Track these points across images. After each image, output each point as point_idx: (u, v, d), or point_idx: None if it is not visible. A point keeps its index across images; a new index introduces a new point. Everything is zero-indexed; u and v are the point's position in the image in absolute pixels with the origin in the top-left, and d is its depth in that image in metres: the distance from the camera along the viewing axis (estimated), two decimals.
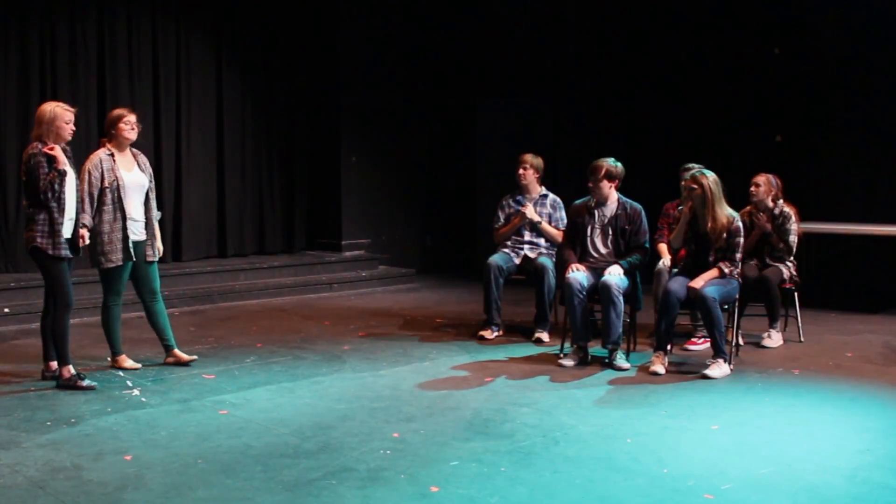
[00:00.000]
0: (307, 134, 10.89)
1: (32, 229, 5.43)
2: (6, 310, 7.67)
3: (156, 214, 6.18)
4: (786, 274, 6.92)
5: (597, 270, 6.38)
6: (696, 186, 6.06)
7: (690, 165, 6.95)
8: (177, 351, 6.23)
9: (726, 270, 6.03)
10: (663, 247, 6.89)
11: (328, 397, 5.41)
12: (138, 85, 9.45)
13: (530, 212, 7.15)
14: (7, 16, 8.60)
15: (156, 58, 9.59)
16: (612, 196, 6.49)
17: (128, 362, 6.08)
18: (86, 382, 5.53)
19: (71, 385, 5.50)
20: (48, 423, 4.85)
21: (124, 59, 9.34)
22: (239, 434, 4.68)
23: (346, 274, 10.24)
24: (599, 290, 6.21)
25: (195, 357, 6.24)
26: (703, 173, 6.10)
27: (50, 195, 5.39)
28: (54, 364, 5.67)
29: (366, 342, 7.06)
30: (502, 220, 7.32)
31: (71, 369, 5.55)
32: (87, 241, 5.76)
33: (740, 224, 6.08)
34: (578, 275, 6.26)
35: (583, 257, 6.49)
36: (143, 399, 5.35)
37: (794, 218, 6.95)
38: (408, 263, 11.01)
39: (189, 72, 9.86)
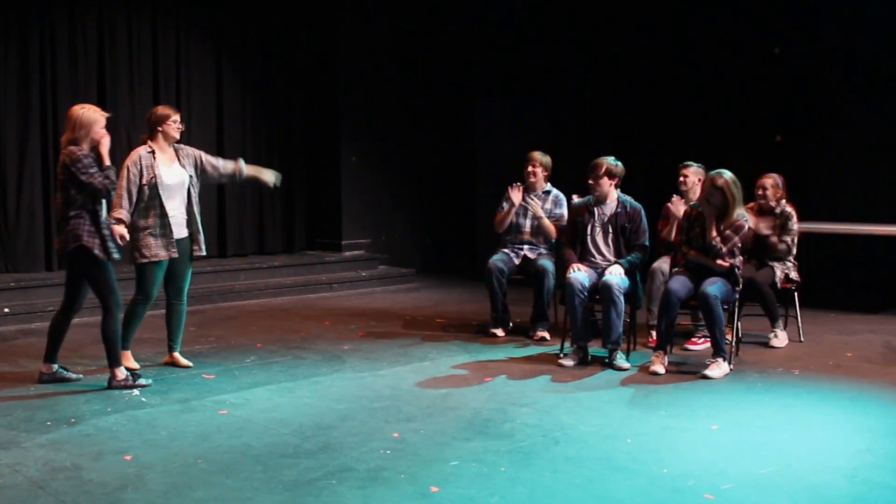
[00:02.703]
0: (307, 134, 10.89)
1: (78, 228, 5.35)
2: (6, 310, 7.67)
3: (241, 162, 6.25)
4: (779, 274, 6.90)
5: (597, 270, 6.38)
6: (716, 190, 5.99)
7: (688, 163, 6.96)
8: (177, 354, 6.20)
9: (715, 243, 5.98)
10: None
11: (328, 397, 5.41)
12: (138, 85, 9.45)
13: (516, 197, 7.20)
14: (7, 16, 8.60)
15: (156, 58, 9.59)
16: (612, 195, 6.50)
17: (129, 361, 6.02)
18: (142, 381, 5.59)
19: (126, 386, 5.49)
20: (48, 423, 4.85)
21: (124, 59, 9.34)
22: (239, 434, 4.68)
23: (346, 274, 10.24)
24: (600, 290, 6.21)
25: (191, 364, 6.18)
26: (722, 175, 6.03)
27: (111, 190, 5.42)
28: (53, 367, 5.67)
29: (366, 342, 7.06)
30: (505, 208, 7.32)
31: (124, 370, 5.56)
32: (128, 237, 5.76)
33: (744, 223, 6.05)
34: (580, 275, 6.26)
35: (583, 256, 6.50)
36: (143, 399, 5.35)
37: (795, 218, 6.95)
38: (408, 263, 11.01)
39: (189, 72, 9.86)
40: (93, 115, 5.43)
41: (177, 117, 6.04)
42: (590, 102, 11.07)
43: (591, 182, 6.44)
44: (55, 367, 5.68)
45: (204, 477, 4.06)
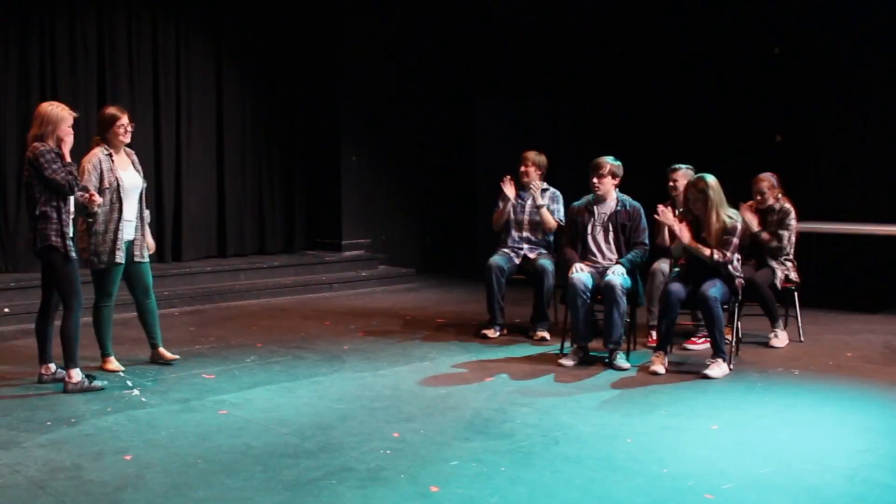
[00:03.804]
0: (307, 134, 10.89)
1: (45, 228, 5.35)
2: (6, 310, 7.67)
3: (147, 215, 6.18)
4: (779, 275, 6.89)
5: (598, 269, 6.39)
6: (698, 194, 6.01)
7: (677, 166, 6.95)
8: (161, 349, 6.22)
9: (716, 256, 5.98)
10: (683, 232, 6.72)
11: (328, 397, 5.41)
12: (138, 85, 9.45)
13: (510, 191, 7.24)
14: (7, 16, 8.60)
15: (156, 58, 9.59)
16: (612, 194, 6.51)
17: (112, 364, 6.01)
18: (96, 383, 5.50)
19: (81, 389, 5.42)
20: (48, 423, 4.85)
21: (124, 59, 9.34)
22: (239, 434, 4.68)
23: (346, 274, 10.24)
24: (603, 291, 6.21)
25: (178, 357, 6.21)
26: (704, 178, 6.04)
27: (75, 187, 5.39)
28: (52, 367, 5.66)
29: (366, 342, 7.05)
30: (501, 206, 7.34)
31: (79, 372, 5.49)
32: (98, 200, 5.64)
33: (738, 224, 6.06)
34: (582, 275, 6.25)
35: (584, 256, 6.50)
36: (143, 399, 5.35)
37: (793, 214, 6.93)
38: (408, 263, 11.01)
39: (189, 72, 9.86)
40: (61, 113, 5.41)
41: (124, 120, 5.92)
42: (589, 102, 11.07)
43: (595, 181, 6.43)
44: (53, 366, 5.67)
45: (204, 477, 4.06)
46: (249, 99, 10.36)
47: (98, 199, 5.66)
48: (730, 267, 6.01)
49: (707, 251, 5.98)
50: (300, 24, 10.68)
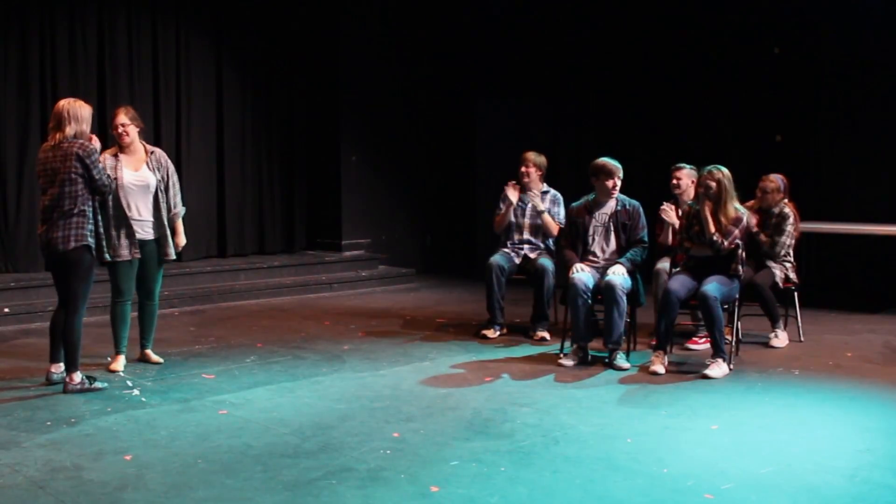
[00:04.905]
0: (307, 134, 10.89)
1: (82, 226, 5.33)
2: (6, 310, 7.67)
3: (180, 210, 6.21)
4: (779, 275, 6.89)
5: (598, 269, 6.39)
6: (712, 183, 6.06)
7: (681, 165, 6.95)
8: (148, 351, 6.26)
9: (716, 238, 6.00)
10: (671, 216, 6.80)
11: (328, 397, 5.41)
12: (138, 85, 9.45)
13: (513, 195, 7.21)
14: (7, 16, 8.60)
15: (156, 58, 9.59)
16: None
17: (118, 364, 6.03)
18: (97, 384, 5.49)
19: (81, 390, 5.41)
20: (48, 423, 4.85)
21: (124, 59, 9.34)
22: (239, 434, 4.68)
23: (346, 274, 10.24)
24: (603, 290, 6.21)
25: (162, 361, 6.22)
26: (719, 170, 6.10)
27: (112, 187, 5.47)
28: (61, 366, 5.63)
29: (366, 342, 7.05)
30: (503, 209, 7.33)
31: (80, 374, 5.48)
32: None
33: (743, 217, 6.09)
34: (583, 275, 6.25)
35: (583, 256, 6.50)
36: (143, 399, 5.35)
37: (791, 219, 6.93)
38: (408, 263, 11.01)
39: (189, 72, 9.86)
40: (89, 113, 5.45)
41: (120, 119, 5.98)
42: (590, 102, 11.07)
43: (609, 183, 6.40)
44: (62, 366, 5.60)
45: (204, 477, 4.06)
46: (249, 99, 10.36)
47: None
48: (734, 249, 6.02)
49: (712, 228, 6.01)
50: (300, 25, 10.68)
